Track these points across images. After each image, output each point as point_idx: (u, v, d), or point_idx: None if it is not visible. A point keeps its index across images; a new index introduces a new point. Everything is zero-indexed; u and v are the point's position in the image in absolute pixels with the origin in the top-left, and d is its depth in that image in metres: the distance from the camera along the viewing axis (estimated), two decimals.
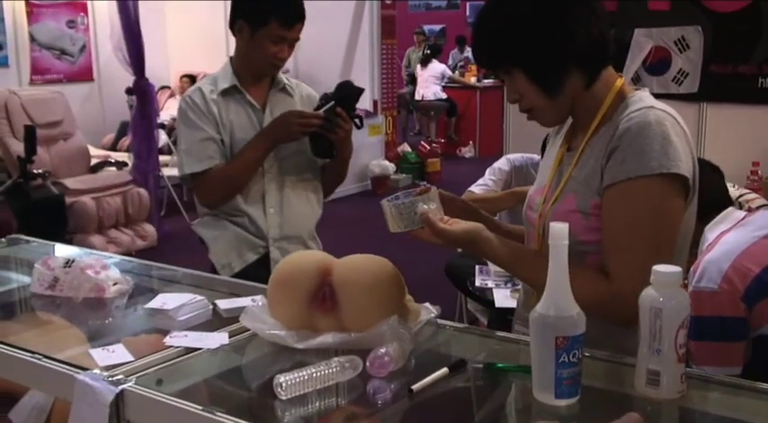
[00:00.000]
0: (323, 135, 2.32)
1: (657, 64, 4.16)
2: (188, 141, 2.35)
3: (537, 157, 3.28)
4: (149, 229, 6.35)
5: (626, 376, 1.26)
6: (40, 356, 1.42)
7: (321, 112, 2.32)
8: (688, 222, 1.46)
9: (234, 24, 2.33)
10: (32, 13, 7.99)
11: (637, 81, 4.18)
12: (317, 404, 1.26)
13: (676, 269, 1.18)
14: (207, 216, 2.44)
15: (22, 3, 7.86)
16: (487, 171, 3.39)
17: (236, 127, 2.36)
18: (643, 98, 1.45)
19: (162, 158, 6.95)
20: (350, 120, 2.34)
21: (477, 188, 3.33)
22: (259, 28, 2.28)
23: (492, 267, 3.03)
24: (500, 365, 1.36)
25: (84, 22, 8.43)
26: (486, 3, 1.51)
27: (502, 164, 3.38)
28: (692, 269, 2.11)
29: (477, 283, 3.01)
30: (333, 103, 2.33)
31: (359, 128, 2.41)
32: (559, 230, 1.18)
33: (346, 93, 2.35)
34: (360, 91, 2.38)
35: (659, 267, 1.19)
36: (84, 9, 8.41)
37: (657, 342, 1.18)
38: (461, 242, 1.47)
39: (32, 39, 8.00)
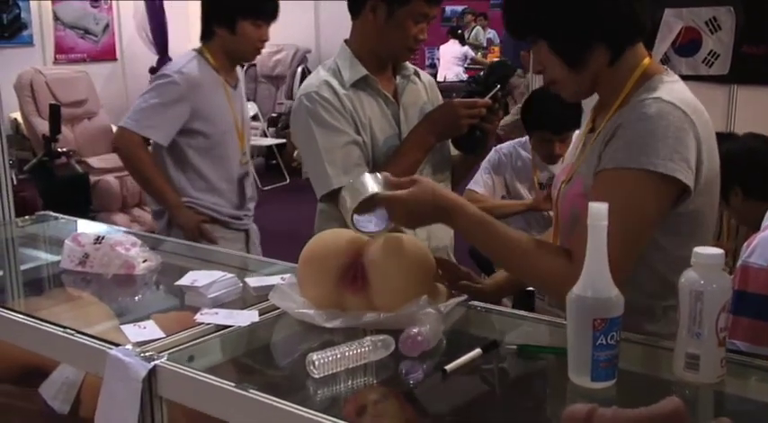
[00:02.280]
0: (477, 126, 1.99)
1: (687, 45, 4.09)
2: (327, 148, 1.93)
3: (524, 138, 3.24)
4: None
5: (663, 360, 1.24)
6: (73, 331, 1.43)
7: (487, 99, 1.99)
8: (699, 207, 1.40)
9: (362, 4, 1.98)
10: None
11: (666, 62, 4.12)
12: (349, 383, 1.25)
13: (718, 251, 1.16)
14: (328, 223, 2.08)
15: None
16: (482, 165, 3.25)
17: (376, 126, 2.01)
18: (659, 86, 1.39)
19: None
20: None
21: (477, 187, 3.28)
22: (400, 6, 1.94)
23: None
24: (534, 347, 1.35)
25: (107, 2, 8.44)
26: None
27: (491, 156, 3.29)
28: (745, 243, 2.08)
29: None
30: (498, 87, 2.02)
31: (505, 114, 2.14)
32: (597, 210, 1.15)
33: (504, 73, 2.10)
34: (514, 70, 2.15)
35: (700, 249, 1.16)
36: None
37: (697, 325, 1.15)
38: (422, 204, 1.40)
39: (56, 18, 8.03)
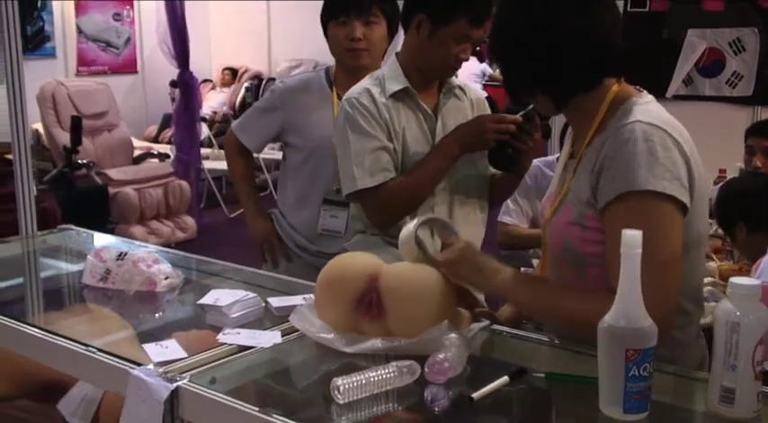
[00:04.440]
0: (508, 144, 2.00)
1: (711, 66, 4.07)
2: (358, 151, 2.01)
3: (551, 157, 3.19)
4: (189, 221, 6.39)
5: (697, 392, 1.21)
6: (95, 349, 1.42)
7: (518, 116, 2.00)
8: (697, 231, 1.40)
9: (410, 18, 2.03)
10: (80, 5, 8.10)
11: (689, 83, 4.09)
12: (374, 409, 1.23)
13: (755, 282, 1.13)
14: (359, 234, 2.13)
15: None
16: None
17: (409, 136, 2.05)
18: (633, 109, 1.39)
19: (203, 151, 6.99)
20: (541, 127, 2.05)
21: (507, 218, 3.24)
22: (443, 25, 1.98)
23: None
24: (562, 375, 1.32)
25: (129, 15, 8.52)
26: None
27: None
28: (753, 267, 2.06)
29: None
30: (532, 106, 1.98)
31: (546, 137, 2.17)
32: (631, 238, 1.13)
33: None
34: None
35: (736, 280, 1.14)
36: (129, 2, 8.50)
37: (733, 358, 1.13)
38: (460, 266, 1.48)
39: (79, 31, 8.10)
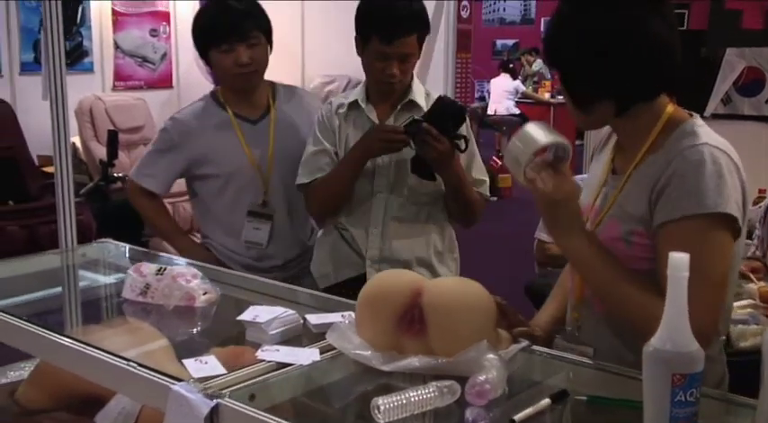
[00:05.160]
0: (419, 152, 2.18)
1: (750, 85, 4.02)
2: (306, 153, 2.36)
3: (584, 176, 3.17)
4: None
5: (745, 419, 1.18)
6: (135, 364, 1.42)
7: (401, 126, 2.21)
8: (737, 254, 1.44)
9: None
10: (117, 21, 8.22)
11: (727, 102, 4.05)
12: None
13: None
14: (325, 226, 2.42)
15: (109, 11, 8.11)
16: None
17: (352, 143, 2.29)
18: (696, 131, 1.42)
19: None
20: (443, 139, 2.13)
21: (544, 236, 3.24)
22: (365, 44, 2.23)
23: None
24: (606, 399, 1.30)
25: (166, 31, 8.63)
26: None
27: None
28: None
29: None
30: (413, 118, 2.20)
31: (461, 150, 2.20)
32: (679, 261, 1.11)
33: (436, 108, 2.18)
34: (456, 108, 2.19)
35: None
36: (166, 18, 8.62)
37: None
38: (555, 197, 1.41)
39: (116, 46, 8.23)
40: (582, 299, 1.59)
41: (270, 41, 2.48)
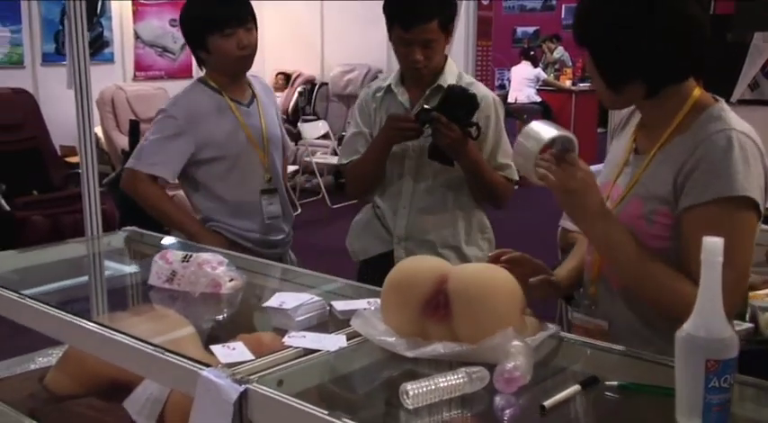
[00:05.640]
0: (435, 139, 2.28)
1: None
2: (347, 135, 2.56)
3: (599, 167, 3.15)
4: None
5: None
6: (163, 350, 1.43)
7: (412, 115, 2.31)
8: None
9: None
10: (138, 11, 8.27)
11: (755, 87, 3.99)
12: (443, 415, 1.22)
13: None
14: (364, 204, 2.59)
15: (129, 2, 8.14)
16: None
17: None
18: (723, 116, 1.44)
19: None
20: (453, 126, 2.20)
21: (569, 224, 3.22)
22: (390, 30, 2.32)
23: None
24: (637, 385, 1.29)
25: None
26: None
27: None
28: None
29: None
30: (423, 107, 2.28)
31: (473, 138, 2.26)
32: (712, 246, 1.10)
33: (446, 97, 2.25)
34: (466, 97, 2.24)
35: None
36: None
37: None
38: (578, 183, 1.42)
39: (137, 36, 8.27)
40: (599, 275, 1.61)
41: (257, 27, 2.61)
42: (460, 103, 2.23)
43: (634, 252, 1.45)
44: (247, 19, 2.51)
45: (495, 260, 1.61)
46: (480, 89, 2.40)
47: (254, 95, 2.67)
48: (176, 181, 2.63)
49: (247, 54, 2.53)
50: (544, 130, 1.44)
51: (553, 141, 1.43)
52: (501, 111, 2.44)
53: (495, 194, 2.43)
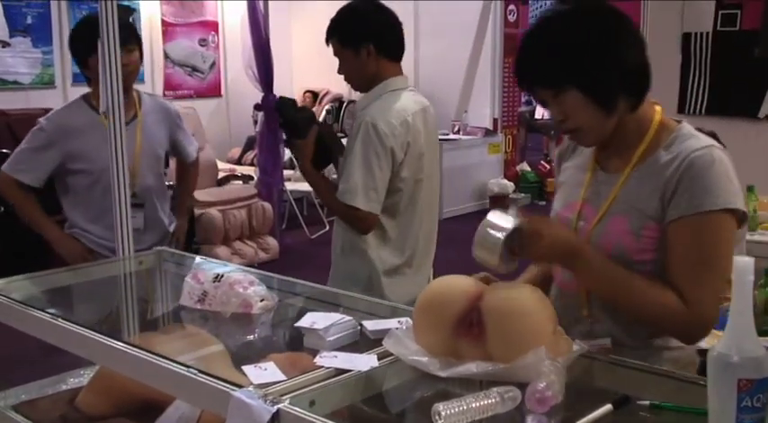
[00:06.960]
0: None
1: None
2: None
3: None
4: (272, 242, 6.49)
5: None
6: (195, 370, 1.44)
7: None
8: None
9: None
10: (167, 31, 8.39)
11: None
12: None
13: None
14: None
15: (159, 22, 8.27)
16: None
17: None
18: (695, 134, 1.56)
19: (285, 173, 7.11)
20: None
21: None
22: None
23: None
24: (669, 405, 1.28)
25: (214, 41, 8.77)
26: (537, 23, 1.59)
27: None
28: None
29: None
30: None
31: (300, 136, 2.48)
32: (745, 265, 1.09)
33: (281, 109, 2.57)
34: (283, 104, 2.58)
35: None
36: (215, 28, 8.76)
37: None
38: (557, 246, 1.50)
39: (166, 56, 8.39)
40: (588, 296, 1.64)
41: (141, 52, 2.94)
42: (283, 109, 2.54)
43: (619, 277, 1.53)
44: (128, 40, 2.74)
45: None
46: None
47: (135, 115, 2.89)
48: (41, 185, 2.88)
49: (136, 70, 2.85)
50: (503, 221, 1.49)
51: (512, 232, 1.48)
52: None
53: (332, 213, 2.71)
